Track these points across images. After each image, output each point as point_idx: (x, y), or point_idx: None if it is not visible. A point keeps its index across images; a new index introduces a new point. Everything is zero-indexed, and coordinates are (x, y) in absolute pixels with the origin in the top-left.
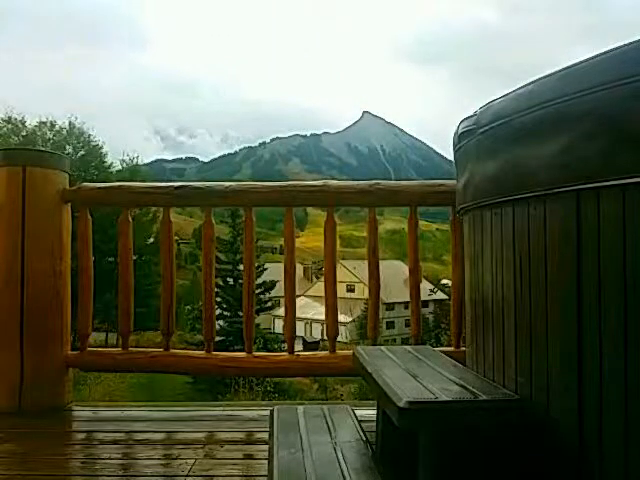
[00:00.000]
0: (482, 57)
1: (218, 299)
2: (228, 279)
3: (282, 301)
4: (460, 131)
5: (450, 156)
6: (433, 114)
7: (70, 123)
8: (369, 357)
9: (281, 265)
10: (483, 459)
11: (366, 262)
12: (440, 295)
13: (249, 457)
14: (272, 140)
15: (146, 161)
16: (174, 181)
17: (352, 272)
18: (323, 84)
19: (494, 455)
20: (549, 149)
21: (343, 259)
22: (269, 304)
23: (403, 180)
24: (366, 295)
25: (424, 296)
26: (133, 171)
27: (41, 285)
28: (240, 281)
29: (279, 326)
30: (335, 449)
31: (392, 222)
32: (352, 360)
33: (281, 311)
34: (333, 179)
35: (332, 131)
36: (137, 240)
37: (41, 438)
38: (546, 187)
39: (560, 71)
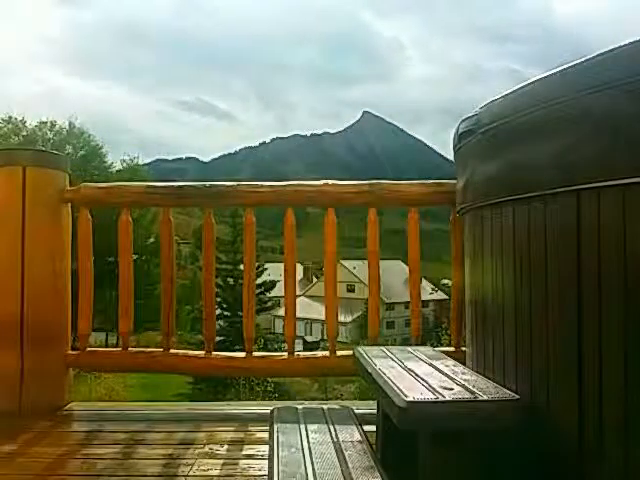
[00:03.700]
0: None
1: (218, 299)
2: (228, 279)
3: (282, 301)
4: (460, 131)
5: (450, 156)
6: None
7: (70, 123)
8: (369, 357)
9: (281, 265)
10: (483, 459)
11: (366, 262)
12: (440, 295)
13: (249, 457)
14: (272, 140)
15: (146, 161)
16: (174, 181)
17: (352, 272)
18: None
19: (494, 455)
20: (549, 149)
21: (343, 259)
22: (269, 304)
23: (403, 180)
24: (366, 295)
25: (424, 296)
26: (133, 171)
27: (41, 285)
28: (240, 281)
29: (279, 326)
30: (335, 449)
31: (392, 222)
32: (352, 360)
33: (281, 311)
34: (333, 179)
35: (332, 131)
36: (137, 240)
37: (41, 438)
38: (546, 187)
39: (560, 71)
